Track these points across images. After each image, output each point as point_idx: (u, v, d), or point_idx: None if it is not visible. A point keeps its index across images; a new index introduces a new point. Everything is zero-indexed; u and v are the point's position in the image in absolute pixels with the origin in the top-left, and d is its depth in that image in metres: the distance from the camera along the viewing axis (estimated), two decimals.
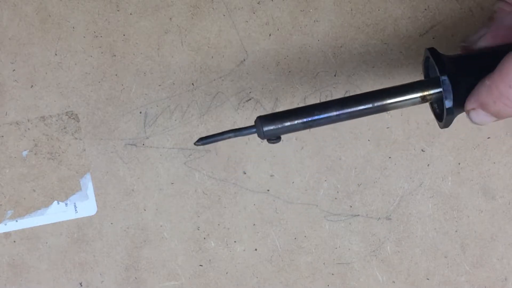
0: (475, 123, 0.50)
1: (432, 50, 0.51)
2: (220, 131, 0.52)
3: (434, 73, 0.51)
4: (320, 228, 0.62)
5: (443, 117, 0.50)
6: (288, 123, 0.50)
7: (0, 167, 0.62)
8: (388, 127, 0.62)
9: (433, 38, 0.61)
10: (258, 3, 0.61)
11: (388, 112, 0.61)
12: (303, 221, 0.62)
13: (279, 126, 0.50)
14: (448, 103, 0.49)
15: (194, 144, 0.51)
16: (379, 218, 0.62)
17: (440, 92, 0.49)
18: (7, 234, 0.62)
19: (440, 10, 0.61)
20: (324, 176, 0.62)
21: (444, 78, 0.49)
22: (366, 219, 0.62)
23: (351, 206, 0.62)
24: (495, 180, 0.62)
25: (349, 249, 0.62)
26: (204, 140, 0.51)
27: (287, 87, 0.62)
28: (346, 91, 0.61)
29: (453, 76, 0.49)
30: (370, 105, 0.50)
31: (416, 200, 0.62)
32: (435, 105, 0.53)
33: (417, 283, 0.62)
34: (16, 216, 0.62)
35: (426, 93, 0.50)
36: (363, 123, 0.61)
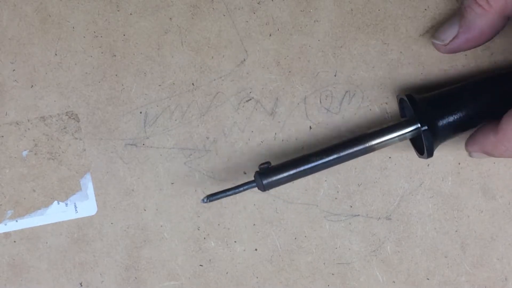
0: (473, 157, 0.58)
1: (407, 95, 0.58)
2: (222, 189, 0.56)
3: (410, 112, 0.58)
4: (320, 228, 0.62)
5: (423, 151, 0.57)
6: (284, 175, 0.56)
7: (0, 167, 0.62)
8: None
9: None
10: (258, 3, 0.61)
11: (388, 112, 0.62)
12: (303, 221, 0.62)
13: (277, 178, 0.56)
14: (426, 137, 0.56)
15: (202, 201, 0.56)
16: (379, 218, 0.62)
17: (418, 128, 0.56)
18: (7, 234, 0.62)
19: (440, 10, 0.61)
20: (324, 176, 0.62)
21: (419, 115, 0.56)
22: (366, 219, 0.62)
23: (351, 206, 0.62)
24: (495, 180, 0.62)
25: (349, 249, 0.62)
26: (211, 198, 0.56)
27: (287, 87, 0.62)
28: (346, 91, 0.61)
29: (426, 112, 0.56)
30: (357, 148, 0.56)
31: (416, 200, 0.62)
32: (415, 142, 0.60)
33: (417, 283, 0.62)
34: (16, 216, 0.62)
35: (405, 131, 0.57)
36: (363, 123, 0.62)
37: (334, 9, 0.61)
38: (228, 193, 0.56)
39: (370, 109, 0.61)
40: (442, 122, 0.56)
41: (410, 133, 0.57)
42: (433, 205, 0.62)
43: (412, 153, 0.61)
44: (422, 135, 0.56)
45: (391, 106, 0.61)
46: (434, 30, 0.61)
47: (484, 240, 0.62)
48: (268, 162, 0.56)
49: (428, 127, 0.56)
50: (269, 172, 0.56)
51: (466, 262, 0.62)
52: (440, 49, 0.58)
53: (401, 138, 0.57)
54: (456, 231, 0.62)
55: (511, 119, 0.52)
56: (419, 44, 0.61)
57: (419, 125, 0.56)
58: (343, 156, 0.56)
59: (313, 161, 0.56)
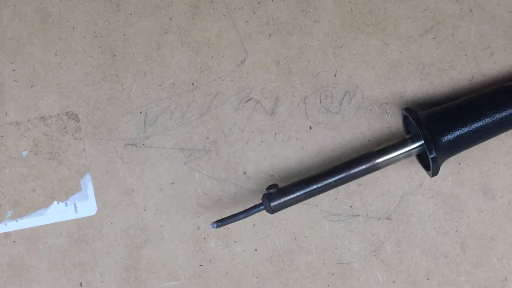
0: None
1: (408, 110, 0.58)
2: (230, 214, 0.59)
3: (414, 129, 0.58)
4: (320, 228, 0.62)
5: (429, 166, 0.57)
6: (292, 197, 0.57)
7: (0, 167, 0.62)
8: (388, 127, 0.62)
9: (433, 38, 0.61)
10: (258, 3, 0.61)
11: (388, 112, 0.62)
12: (303, 221, 0.62)
13: (284, 200, 0.56)
14: (431, 153, 0.56)
15: (211, 226, 0.57)
16: (379, 218, 0.62)
17: (422, 144, 0.56)
18: (7, 234, 0.62)
19: (440, 10, 0.61)
20: None
21: (424, 132, 0.56)
22: (366, 219, 0.62)
23: (351, 206, 0.62)
24: (495, 180, 0.62)
25: (349, 249, 0.62)
26: (220, 223, 0.57)
27: (287, 87, 0.61)
28: (346, 91, 0.61)
29: (431, 129, 0.56)
30: (363, 167, 0.57)
31: (416, 200, 0.62)
32: (421, 158, 0.60)
33: (417, 283, 0.62)
34: (16, 216, 0.62)
35: (410, 148, 0.57)
36: (363, 123, 0.62)
37: (334, 9, 0.61)
38: (237, 217, 0.57)
39: (370, 109, 0.61)
40: (447, 138, 0.56)
41: (415, 150, 0.57)
42: (433, 205, 0.62)
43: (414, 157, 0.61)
44: (427, 152, 0.56)
45: (391, 106, 0.61)
46: (434, 30, 0.61)
47: (484, 240, 0.62)
48: (275, 185, 0.57)
49: (433, 144, 0.56)
50: (277, 194, 0.57)
51: (466, 262, 0.62)
52: None
53: (406, 155, 0.57)
54: (456, 231, 0.62)
55: None
56: (419, 44, 0.61)
57: (423, 141, 0.56)
58: (348, 176, 0.57)
59: (319, 183, 0.57)
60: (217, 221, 0.57)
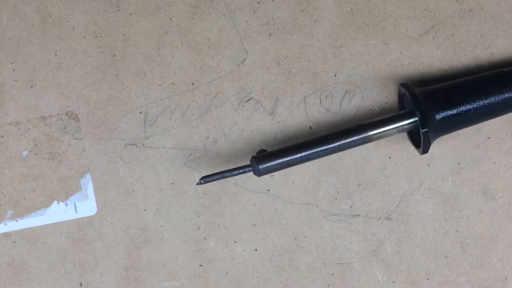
0: None
1: (405, 85, 0.58)
2: (219, 171, 0.57)
3: (409, 105, 0.58)
4: (320, 228, 0.62)
5: (420, 144, 0.57)
6: (280, 160, 0.56)
7: (0, 167, 0.62)
8: None
9: (433, 38, 0.61)
10: (258, 3, 0.61)
11: (388, 112, 0.61)
12: (303, 221, 0.62)
13: (272, 163, 0.56)
14: (423, 128, 0.55)
15: (197, 183, 0.57)
16: (379, 218, 0.62)
17: (416, 121, 0.56)
18: (7, 234, 0.62)
19: (440, 10, 0.61)
20: (324, 176, 0.62)
21: (418, 106, 0.56)
22: (366, 219, 0.62)
23: (351, 206, 0.62)
24: (495, 180, 0.62)
25: (349, 249, 0.62)
26: (206, 179, 0.56)
27: (287, 87, 0.61)
28: (346, 91, 0.61)
29: (425, 105, 0.56)
30: (355, 138, 0.56)
31: (416, 200, 0.62)
32: (413, 135, 0.60)
33: (417, 283, 0.62)
34: (16, 216, 0.62)
35: (403, 123, 0.56)
36: None
37: (334, 9, 0.61)
38: (224, 175, 0.56)
39: (370, 109, 0.61)
40: (441, 116, 0.56)
41: (408, 126, 0.57)
42: (433, 205, 0.62)
43: (412, 153, 0.61)
44: (420, 128, 0.56)
45: (391, 106, 0.61)
46: (434, 30, 0.61)
47: (484, 240, 0.62)
48: (264, 150, 0.57)
49: (425, 120, 0.56)
50: (265, 157, 0.56)
51: (466, 262, 0.62)
52: None
53: (399, 129, 0.57)
54: (456, 231, 0.62)
55: None
56: (419, 44, 0.61)
57: (417, 118, 0.56)
58: (340, 145, 0.56)
59: (309, 149, 0.56)
60: (203, 177, 0.56)
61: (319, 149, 0.56)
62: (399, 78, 0.61)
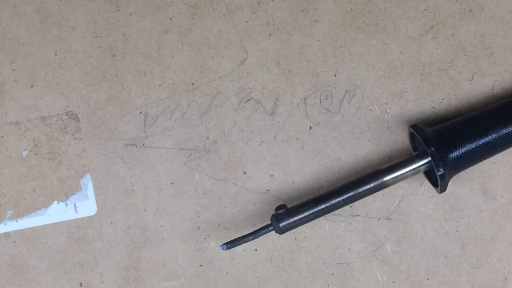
0: None
1: (415, 127, 0.58)
2: (240, 235, 0.58)
3: (421, 146, 0.58)
4: (320, 228, 0.62)
5: (438, 183, 0.57)
6: (300, 217, 0.57)
7: (0, 167, 0.62)
8: (388, 127, 0.62)
9: (433, 38, 0.61)
10: (258, 3, 0.61)
11: (388, 112, 0.62)
12: None
13: (293, 220, 0.57)
14: (439, 170, 0.56)
15: (221, 248, 0.57)
16: (379, 218, 0.62)
17: (430, 161, 0.56)
18: (7, 234, 0.62)
19: (440, 10, 0.61)
20: (324, 176, 0.62)
21: (431, 149, 0.56)
22: (366, 219, 0.62)
23: (351, 206, 0.62)
24: (495, 180, 0.62)
25: (349, 249, 0.62)
26: (229, 245, 0.57)
27: (287, 87, 0.62)
28: (346, 91, 0.61)
29: (438, 146, 0.56)
30: (371, 185, 0.57)
31: (416, 200, 0.62)
32: (429, 174, 0.60)
33: (417, 283, 0.62)
34: (16, 216, 0.62)
35: (418, 165, 0.57)
36: (363, 123, 0.62)
37: (334, 9, 0.61)
38: (246, 239, 0.57)
39: (370, 109, 0.61)
40: (454, 155, 0.56)
41: (422, 167, 0.57)
42: (433, 205, 0.62)
43: (412, 153, 0.61)
44: (435, 169, 0.56)
45: (391, 106, 0.61)
46: (434, 30, 0.61)
47: (484, 240, 0.62)
48: (284, 205, 0.57)
49: (440, 161, 0.56)
50: (286, 215, 0.57)
51: (466, 262, 0.62)
52: None
53: (414, 172, 0.58)
54: (456, 231, 0.62)
55: None
56: (419, 44, 0.61)
57: (430, 158, 0.56)
58: (357, 194, 0.57)
59: (327, 202, 0.57)
60: (226, 243, 0.57)
61: (337, 200, 0.57)
62: (399, 78, 0.61)
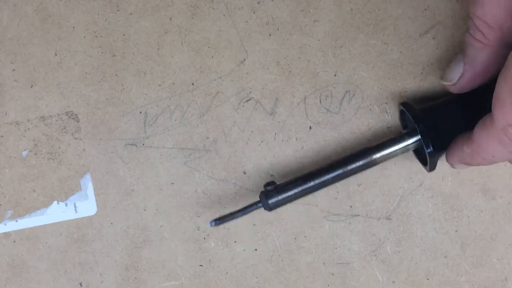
0: (457, 168, 0.58)
1: (405, 105, 0.58)
2: (232, 212, 0.57)
3: (411, 124, 0.57)
4: (320, 228, 0.62)
5: (427, 161, 0.57)
6: (289, 194, 0.57)
7: (0, 167, 0.62)
8: (388, 127, 0.62)
9: (433, 38, 0.61)
10: (258, 3, 0.61)
11: (388, 112, 0.62)
12: (303, 221, 0.62)
13: (282, 197, 0.56)
14: (428, 148, 0.55)
15: (209, 224, 0.57)
16: (379, 218, 0.62)
17: (419, 139, 0.56)
18: (7, 234, 0.62)
19: (440, 10, 0.61)
20: None
21: (421, 127, 0.56)
22: (366, 219, 0.62)
23: (351, 206, 0.62)
24: (495, 180, 0.62)
25: (349, 249, 0.62)
26: (218, 221, 0.56)
27: (287, 87, 0.62)
28: (346, 91, 0.61)
29: (428, 123, 0.56)
30: (360, 163, 0.57)
31: (416, 200, 0.62)
32: (418, 153, 0.60)
33: (417, 283, 0.62)
34: (16, 216, 0.62)
35: (407, 143, 0.57)
36: (363, 123, 0.62)
37: (334, 9, 0.61)
38: (235, 215, 0.57)
39: (370, 109, 0.61)
40: (444, 133, 0.56)
41: (412, 145, 0.57)
42: (433, 205, 0.62)
43: (412, 153, 0.61)
44: (424, 147, 0.56)
45: (391, 106, 0.61)
46: (434, 30, 0.61)
47: (484, 240, 0.62)
48: (273, 182, 0.57)
49: (430, 139, 0.55)
50: (274, 192, 0.57)
51: (466, 262, 0.62)
52: (450, 89, 0.57)
53: (403, 150, 0.57)
54: (456, 231, 0.62)
55: (481, 131, 0.52)
56: (419, 44, 0.61)
57: (419, 136, 0.56)
58: (346, 172, 0.57)
59: (317, 179, 0.57)
60: (215, 219, 0.56)
61: (326, 178, 0.57)
62: (399, 78, 0.61)
